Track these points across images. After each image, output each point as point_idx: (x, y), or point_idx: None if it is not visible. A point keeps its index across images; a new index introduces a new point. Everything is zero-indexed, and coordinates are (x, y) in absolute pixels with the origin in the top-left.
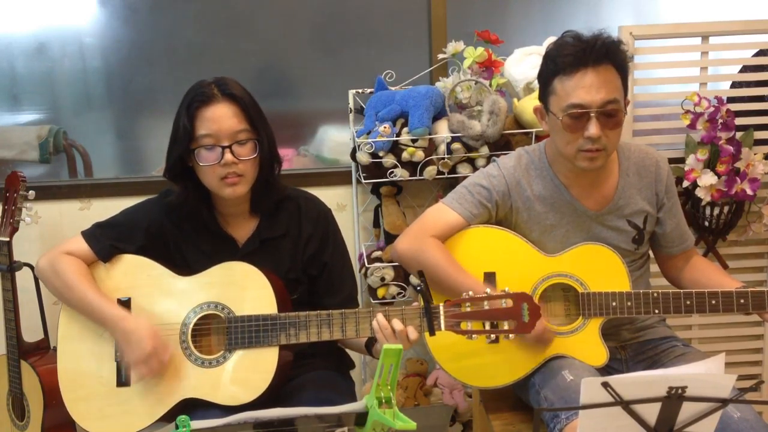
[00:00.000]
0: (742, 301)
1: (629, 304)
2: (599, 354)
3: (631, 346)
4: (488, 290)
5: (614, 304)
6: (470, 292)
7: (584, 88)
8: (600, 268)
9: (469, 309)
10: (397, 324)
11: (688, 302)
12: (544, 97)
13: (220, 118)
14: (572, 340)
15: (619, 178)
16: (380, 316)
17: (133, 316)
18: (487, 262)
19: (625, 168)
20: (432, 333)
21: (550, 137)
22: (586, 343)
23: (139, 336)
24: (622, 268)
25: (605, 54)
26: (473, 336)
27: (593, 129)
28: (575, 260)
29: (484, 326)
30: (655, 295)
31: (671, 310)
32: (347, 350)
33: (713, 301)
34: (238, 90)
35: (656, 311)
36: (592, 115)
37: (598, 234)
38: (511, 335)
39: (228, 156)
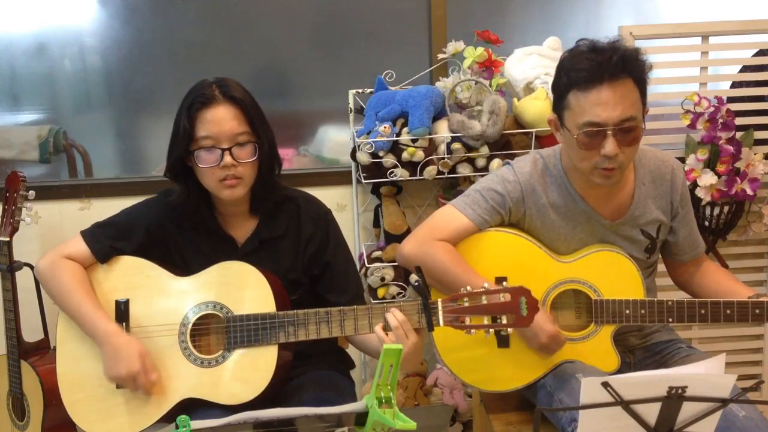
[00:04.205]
0: (757, 311)
1: (643, 312)
2: (611, 361)
3: (639, 350)
4: (486, 285)
5: (627, 311)
6: (468, 288)
7: (600, 105)
8: (613, 275)
9: (467, 304)
10: (398, 314)
11: (702, 311)
12: (558, 109)
13: (221, 120)
14: (583, 347)
15: (635, 188)
16: (396, 311)
17: (126, 333)
18: (498, 267)
19: (641, 176)
20: (431, 329)
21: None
22: (597, 350)
23: (128, 352)
24: (636, 274)
25: (622, 68)
26: (471, 331)
27: (610, 147)
28: (589, 266)
29: (483, 321)
30: (670, 303)
31: (685, 319)
32: (348, 351)
33: (728, 311)
34: (239, 92)
35: (670, 320)
36: (608, 133)
37: (612, 243)
38: (509, 329)
39: (227, 158)
